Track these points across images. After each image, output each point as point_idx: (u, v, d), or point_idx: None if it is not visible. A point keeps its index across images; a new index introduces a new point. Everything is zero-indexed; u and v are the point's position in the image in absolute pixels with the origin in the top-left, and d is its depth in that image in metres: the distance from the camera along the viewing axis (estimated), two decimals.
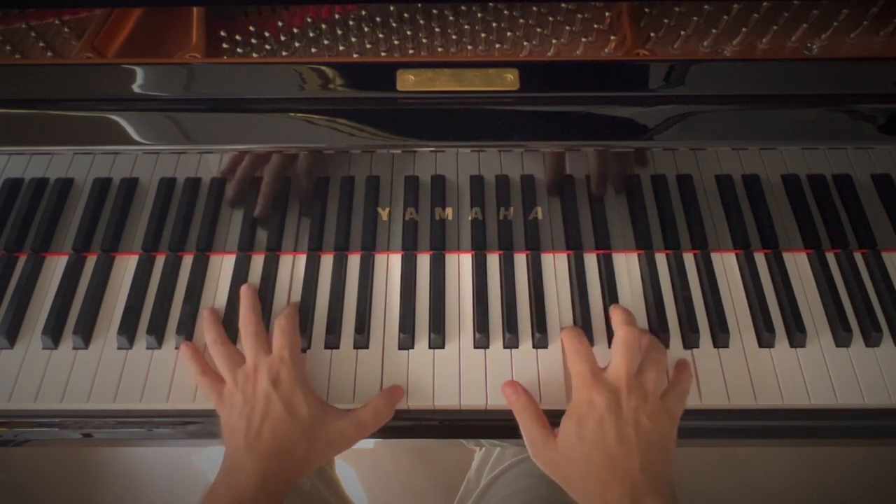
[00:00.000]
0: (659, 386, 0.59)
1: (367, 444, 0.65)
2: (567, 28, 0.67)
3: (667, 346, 0.65)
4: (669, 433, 0.58)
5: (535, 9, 0.69)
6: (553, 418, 0.60)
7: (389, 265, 0.71)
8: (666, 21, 0.68)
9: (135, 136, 0.63)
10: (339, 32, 0.68)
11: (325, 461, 0.63)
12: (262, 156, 0.67)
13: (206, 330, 0.65)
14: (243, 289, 0.68)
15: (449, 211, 0.71)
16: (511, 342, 0.66)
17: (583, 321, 0.66)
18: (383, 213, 0.71)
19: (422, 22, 0.68)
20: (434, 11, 0.68)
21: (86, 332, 0.66)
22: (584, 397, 0.58)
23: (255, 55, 0.66)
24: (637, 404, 0.56)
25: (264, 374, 0.59)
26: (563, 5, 0.69)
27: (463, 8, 0.68)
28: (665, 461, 0.56)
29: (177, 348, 0.66)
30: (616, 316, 0.63)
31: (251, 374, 0.60)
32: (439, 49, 0.67)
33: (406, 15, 0.68)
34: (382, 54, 0.66)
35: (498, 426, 0.63)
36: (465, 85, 0.63)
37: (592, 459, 0.55)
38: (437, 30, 0.68)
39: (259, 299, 0.67)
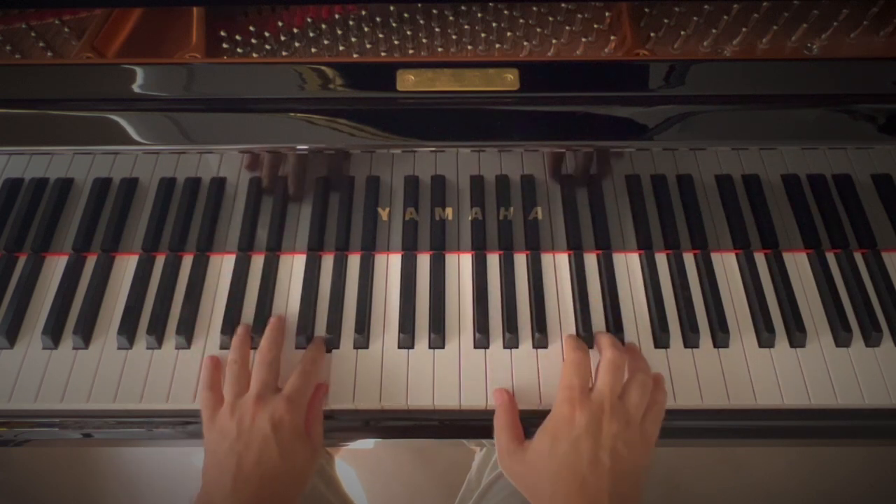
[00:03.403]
0: (641, 410, 0.58)
1: (367, 444, 0.65)
2: (567, 28, 0.67)
3: (667, 345, 0.66)
4: (644, 461, 0.57)
5: (535, 9, 0.69)
6: None
7: (389, 265, 0.71)
8: (666, 21, 0.68)
9: (135, 136, 0.63)
10: (339, 32, 0.68)
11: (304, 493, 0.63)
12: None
13: (233, 347, 0.64)
14: (273, 320, 0.66)
15: (449, 211, 0.71)
16: (511, 342, 0.66)
17: (583, 321, 0.66)
18: (383, 213, 0.71)
19: (422, 22, 0.68)
20: (434, 11, 0.68)
21: (86, 332, 0.66)
22: (565, 413, 0.56)
23: (255, 55, 0.66)
24: (617, 431, 0.55)
25: (266, 414, 0.57)
26: (563, 5, 0.69)
27: (463, 8, 0.68)
28: (634, 489, 0.55)
29: (177, 348, 0.66)
30: (603, 340, 0.63)
31: (250, 407, 0.58)
32: (439, 49, 0.67)
33: (406, 15, 0.68)
34: (382, 54, 0.66)
35: None
36: (465, 85, 0.63)
37: (562, 478, 0.54)
38: (437, 30, 0.68)
39: (282, 333, 0.66)
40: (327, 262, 0.71)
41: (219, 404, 0.60)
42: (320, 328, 0.67)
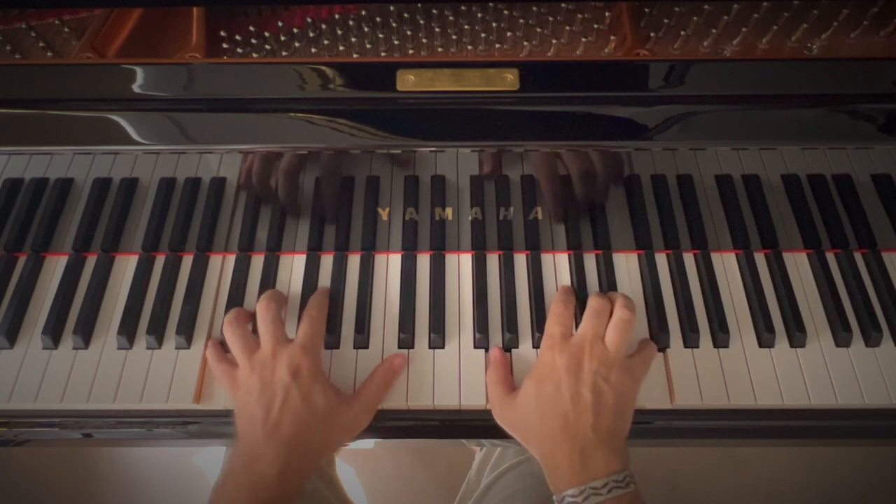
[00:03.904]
0: (623, 348, 0.60)
1: (367, 444, 0.65)
2: (567, 28, 0.67)
3: (667, 345, 0.66)
4: (628, 395, 0.59)
5: (535, 9, 0.69)
6: None
7: (389, 265, 0.71)
8: (666, 21, 0.68)
9: (135, 136, 0.63)
10: (339, 32, 0.68)
11: (340, 447, 0.64)
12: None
13: (228, 313, 0.64)
14: (270, 291, 0.67)
15: (449, 211, 0.71)
16: (511, 342, 0.66)
17: None
18: (383, 213, 0.71)
19: (422, 22, 0.68)
20: (434, 11, 0.68)
21: (86, 332, 0.66)
22: (548, 359, 0.60)
23: (255, 55, 0.66)
24: (597, 367, 0.58)
25: (284, 364, 0.59)
26: (563, 5, 0.69)
27: (463, 8, 0.68)
28: (619, 421, 0.57)
29: (177, 348, 0.66)
30: (592, 293, 0.65)
31: (269, 361, 0.60)
32: (439, 49, 0.67)
33: (406, 15, 0.68)
34: (382, 54, 0.66)
35: (498, 426, 0.63)
36: (465, 85, 0.63)
37: (548, 419, 0.57)
38: (437, 30, 0.68)
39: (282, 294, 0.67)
40: (327, 262, 0.71)
41: (234, 368, 0.62)
42: None
